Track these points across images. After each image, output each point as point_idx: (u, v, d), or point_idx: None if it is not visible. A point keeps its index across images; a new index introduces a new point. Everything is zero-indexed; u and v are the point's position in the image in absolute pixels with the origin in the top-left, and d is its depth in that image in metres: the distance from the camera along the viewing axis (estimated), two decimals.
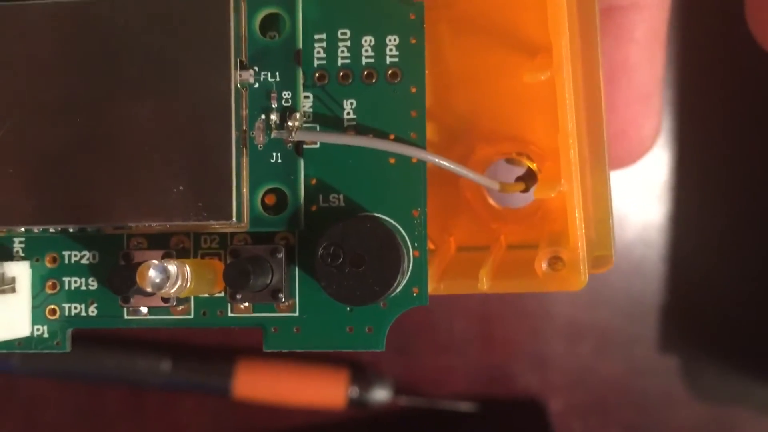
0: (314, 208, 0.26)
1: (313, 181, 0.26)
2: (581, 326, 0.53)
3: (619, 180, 0.50)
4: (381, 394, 0.52)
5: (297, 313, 0.27)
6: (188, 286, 0.23)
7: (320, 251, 0.24)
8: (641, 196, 0.51)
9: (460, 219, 0.29)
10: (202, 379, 0.52)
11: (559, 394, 0.53)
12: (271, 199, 0.26)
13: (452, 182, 0.29)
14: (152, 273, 0.22)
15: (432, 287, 0.27)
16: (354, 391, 0.52)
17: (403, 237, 0.26)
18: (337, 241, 0.24)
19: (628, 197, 0.51)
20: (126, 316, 0.27)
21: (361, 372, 0.52)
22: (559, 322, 0.53)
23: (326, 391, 0.52)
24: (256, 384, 0.52)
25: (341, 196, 0.26)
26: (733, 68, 0.50)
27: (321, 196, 0.26)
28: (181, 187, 0.24)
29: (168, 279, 0.23)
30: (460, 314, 0.53)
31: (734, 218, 0.51)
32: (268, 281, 0.25)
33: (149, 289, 0.22)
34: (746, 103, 0.50)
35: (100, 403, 0.54)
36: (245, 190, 0.26)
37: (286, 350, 0.27)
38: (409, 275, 0.26)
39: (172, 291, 0.23)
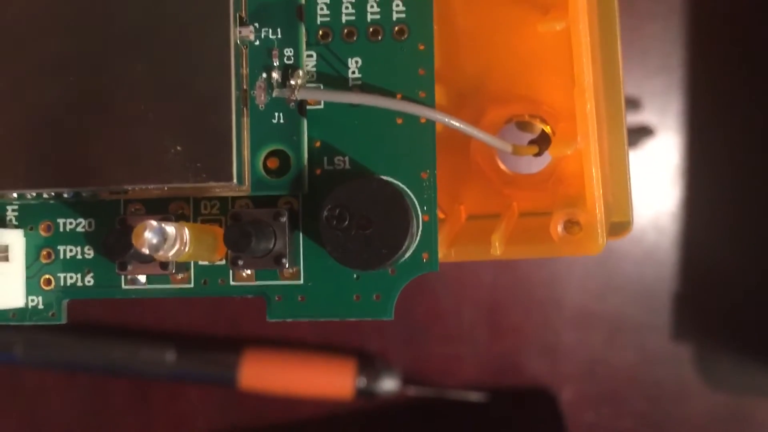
0: (318, 171, 0.25)
1: (317, 144, 0.25)
2: (592, 315, 0.52)
3: (631, 165, 0.49)
4: (389, 384, 0.51)
5: (301, 281, 0.26)
6: (187, 249, 0.22)
7: (325, 213, 0.23)
8: (654, 181, 0.50)
9: (471, 186, 0.28)
10: (208, 369, 0.51)
11: (570, 384, 0.52)
12: (273, 163, 0.25)
13: (462, 148, 0.28)
14: (148, 233, 0.21)
15: (442, 253, 0.26)
16: (362, 382, 0.50)
17: (412, 200, 0.25)
18: (342, 202, 0.23)
19: (640, 182, 0.50)
20: (124, 286, 0.26)
21: (369, 362, 0.51)
22: (569, 310, 0.52)
23: (333, 381, 0.51)
24: (262, 374, 0.51)
25: (347, 159, 0.25)
26: (748, 50, 0.49)
27: (326, 159, 0.25)
28: (179, 148, 0.23)
29: (165, 240, 0.21)
30: (469, 303, 0.52)
31: (750, 204, 0.50)
32: (271, 246, 0.24)
33: (145, 251, 0.21)
34: (763, 85, 0.49)
35: (105, 394, 0.53)
36: (246, 152, 0.25)
37: (290, 320, 0.26)
38: (419, 240, 0.25)
39: (170, 254, 0.22)
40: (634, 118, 0.49)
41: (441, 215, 0.28)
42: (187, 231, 0.22)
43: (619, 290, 0.51)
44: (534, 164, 0.28)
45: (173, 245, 0.22)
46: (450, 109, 0.28)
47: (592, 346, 0.52)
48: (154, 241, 0.21)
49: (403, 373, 0.52)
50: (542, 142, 0.27)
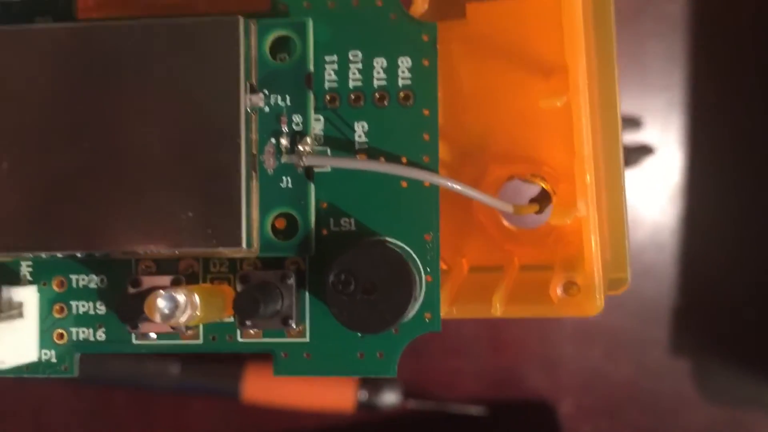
0: (325, 232, 0.26)
1: (324, 205, 0.26)
2: (591, 329, 0.52)
3: (631, 181, 0.50)
4: (390, 398, 0.52)
5: (307, 339, 0.26)
6: (197, 314, 0.23)
7: (331, 279, 0.24)
8: (653, 197, 0.51)
9: (472, 240, 0.29)
10: (211, 382, 0.52)
11: (569, 397, 0.53)
12: (281, 223, 0.26)
13: (465, 203, 0.29)
14: (161, 303, 0.22)
15: (444, 311, 0.26)
16: (363, 395, 0.51)
17: (415, 262, 0.25)
18: (347, 268, 0.24)
19: (640, 199, 0.51)
20: (134, 341, 0.27)
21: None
22: (568, 324, 0.52)
23: (335, 394, 0.52)
24: (265, 387, 0.52)
25: (352, 220, 0.26)
26: (749, 68, 0.50)
27: (332, 220, 0.26)
28: (190, 213, 0.24)
29: (177, 308, 0.22)
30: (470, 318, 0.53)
31: (748, 220, 0.51)
32: (278, 308, 0.25)
33: (159, 321, 0.22)
34: (761, 104, 0.50)
35: (109, 406, 0.54)
36: (255, 215, 0.25)
37: (296, 376, 0.27)
38: (422, 300, 0.26)
39: (181, 320, 0.22)
40: (634, 136, 0.50)
41: (444, 266, 0.28)
42: (197, 297, 0.23)
43: (618, 305, 0.52)
44: (535, 219, 0.28)
45: (184, 312, 0.22)
46: (453, 165, 0.28)
47: (591, 359, 0.52)
48: (167, 311, 0.22)
49: (404, 387, 0.52)
50: (543, 200, 0.27)
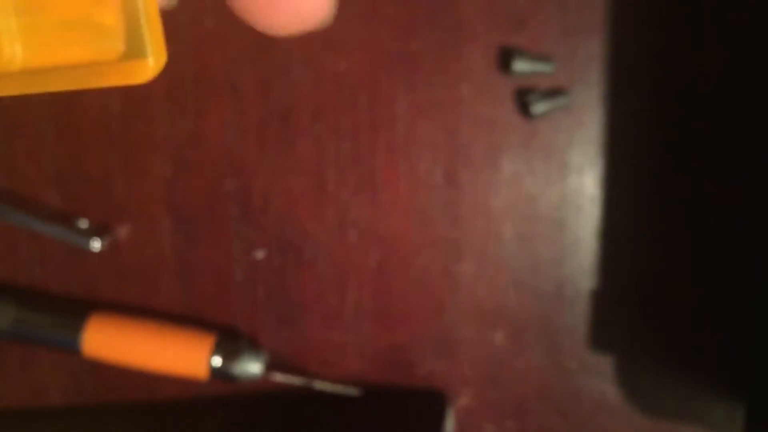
0: None
1: None
2: (494, 308, 0.44)
3: (546, 128, 0.42)
4: (250, 367, 0.44)
5: None
6: None
7: None
8: (569, 161, 0.43)
9: None
10: (49, 331, 0.46)
11: (467, 388, 0.45)
12: None
13: None
14: None
15: None
16: (217, 361, 0.44)
17: None
18: None
19: (553, 163, 0.43)
20: None
21: (232, 340, 0.44)
22: (469, 302, 0.44)
23: (185, 357, 0.45)
24: (106, 341, 0.46)
25: None
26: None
27: None
28: None
29: None
30: (354, 284, 0.45)
31: (672, 178, 0.42)
32: None
33: None
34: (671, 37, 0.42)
35: None
36: None
37: None
38: None
39: None
40: (548, 80, 0.42)
41: None
42: None
43: (521, 281, 0.44)
44: None
45: None
46: None
47: (494, 346, 0.44)
48: None
49: (272, 358, 0.45)
50: None
